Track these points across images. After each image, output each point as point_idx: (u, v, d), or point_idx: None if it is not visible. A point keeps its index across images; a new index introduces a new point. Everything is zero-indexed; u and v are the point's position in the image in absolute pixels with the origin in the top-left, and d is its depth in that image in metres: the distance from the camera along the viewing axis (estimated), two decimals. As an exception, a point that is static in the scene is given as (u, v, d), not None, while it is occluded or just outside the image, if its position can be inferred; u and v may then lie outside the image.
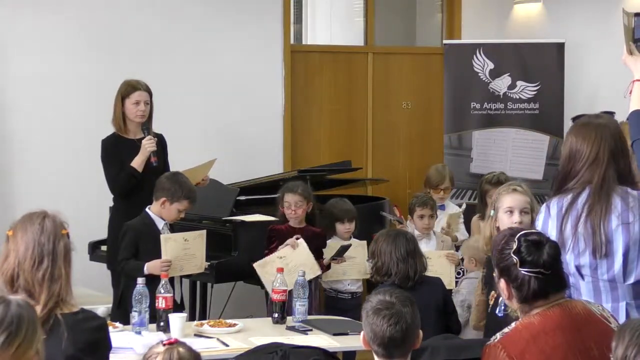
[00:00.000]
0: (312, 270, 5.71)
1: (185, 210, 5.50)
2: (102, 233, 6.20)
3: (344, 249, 5.99)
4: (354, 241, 6.21)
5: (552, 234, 3.54)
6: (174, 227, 5.56)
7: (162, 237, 5.30)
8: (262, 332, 4.86)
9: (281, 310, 5.07)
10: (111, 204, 6.09)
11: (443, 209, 6.90)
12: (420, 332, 3.16)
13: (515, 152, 7.94)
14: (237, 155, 7.51)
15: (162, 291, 4.78)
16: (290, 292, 5.17)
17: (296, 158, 7.88)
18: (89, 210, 6.55)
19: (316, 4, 9.47)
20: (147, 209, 5.49)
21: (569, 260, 3.54)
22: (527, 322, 3.07)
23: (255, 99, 7.71)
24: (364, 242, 6.09)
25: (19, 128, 7.04)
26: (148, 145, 5.92)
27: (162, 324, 4.74)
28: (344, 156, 7.74)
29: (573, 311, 3.09)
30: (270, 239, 5.91)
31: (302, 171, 6.85)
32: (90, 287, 6.06)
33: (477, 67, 7.93)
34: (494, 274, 3.20)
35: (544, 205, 3.69)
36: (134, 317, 4.71)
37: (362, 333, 3.17)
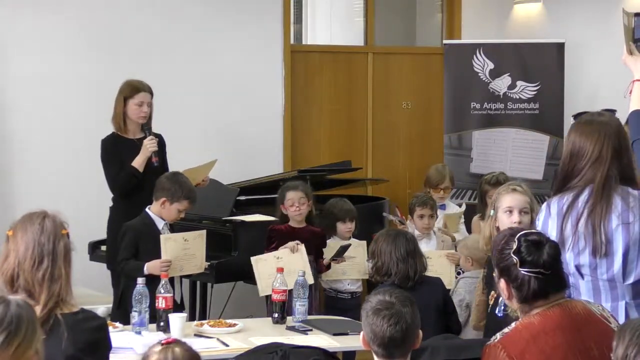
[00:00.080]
0: (307, 277, 5.69)
1: (185, 210, 5.50)
2: (102, 233, 6.19)
3: (343, 249, 5.99)
4: (353, 241, 6.21)
5: (552, 234, 3.53)
6: (174, 227, 5.56)
7: (161, 237, 5.31)
8: (262, 332, 4.86)
9: (281, 310, 5.07)
10: (111, 204, 6.09)
11: (443, 209, 6.91)
12: (420, 332, 3.16)
13: (515, 152, 7.93)
14: (237, 155, 7.51)
15: (162, 291, 4.78)
16: (290, 292, 5.17)
17: (296, 158, 7.88)
18: (89, 210, 6.54)
19: (316, 4, 9.47)
20: (147, 209, 5.49)
21: (569, 259, 3.53)
22: (527, 322, 3.07)
23: (255, 99, 7.71)
24: (364, 242, 6.09)
25: (19, 128, 7.04)
26: (150, 145, 5.92)
27: (162, 324, 4.75)
28: (344, 156, 7.74)
29: (573, 311, 3.09)
30: (270, 239, 5.92)
31: (302, 171, 6.85)
32: (90, 287, 6.06)
33: (477, 67, 7.93)
34: (494, 274, 3.20)
35: (545, 204, 3.69)
36: (134, 317, 4.71)
37: (361, 333, 3.17)
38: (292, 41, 8.05)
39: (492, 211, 4.47)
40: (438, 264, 5.76)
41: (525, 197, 4.44)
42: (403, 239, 4.88)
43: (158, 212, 5.45)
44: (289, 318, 5.09)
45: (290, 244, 5.74)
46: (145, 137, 5.99)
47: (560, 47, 7.94)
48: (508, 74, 7.94)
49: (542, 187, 7.51)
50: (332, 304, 6.23)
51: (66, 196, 6.77)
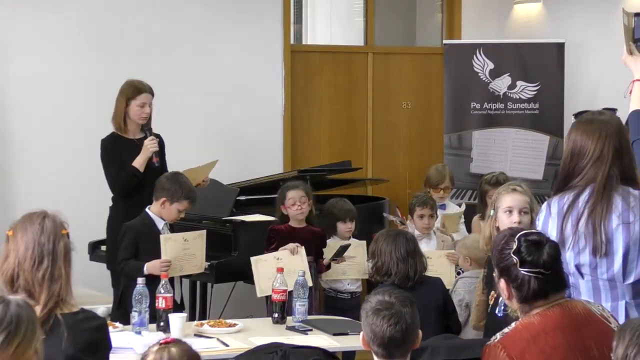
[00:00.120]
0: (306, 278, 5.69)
1: (185, 211, 5.50)
2: (102, 233, 6.19)
3: (343, 249, 5.99)
4: (353, 241, 6.21)
5: (553, 233, 3.53)
6: (174, 227, 5.56)
7: (161, 237, 5.31)
8: (262, 332, 4.86)
9: (281, 310, 5.07)
10: (111, 203, 6.09)
11: (444, 209, 6.91)
12: (420, 332, 3.16)
13: (515, 152, 7.93)
14: (237, 155, 7.50)
15: (162, 291, 4.78)
16: (290, 292, 5.17)
17: (296, 158, 7.88)
18: (89, 210, 6.54)
19: (316, 4, 9.47)
20: (147, 209, 5.49)
21: (569, 258, 3.53)
22: (527, 322, 3.07)
23: (255, 99, 7.71)
24: (364, 242, 6.09)
25: (19, 128, 7.04)
26: (151, 145, 5.93)
27: (162, 324, 4.74)
28: (344, 156, 7.74)
29: (573, 311, 3.09)
30: (270, 239, 5.91)
31: (302, 171, 6.85)
32: (90, 287, 6.05)
33: (477, 67, 7.93)
34: (494, 274, 3.19)
35: (545, 204, 3.68)
36: (134, 317, 4.71)
37: (361, 334, 3.17)
38: (292, 41, 8.05)
39: (492, 211, 4.48)
40: (438, 264, 5.76)
41: (525, 197, 4.44)
42: (403, 239, 4.88)
43: (158, 212, 5.45)
44: (289, 318, 5.09)
45: (291, 245, 5.73)
46: (145, 137, 6.00)
47: (560, 47, 7.94)
48: (508, 74, 7.94)
49: (542, 187, 7.51)
50: (331, 304, 6.23)
51: (66, 196, 6.77)
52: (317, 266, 5.98)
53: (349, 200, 6.47)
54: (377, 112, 8.24)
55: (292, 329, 4.95)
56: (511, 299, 3.13)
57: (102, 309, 5.32)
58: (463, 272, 5.82)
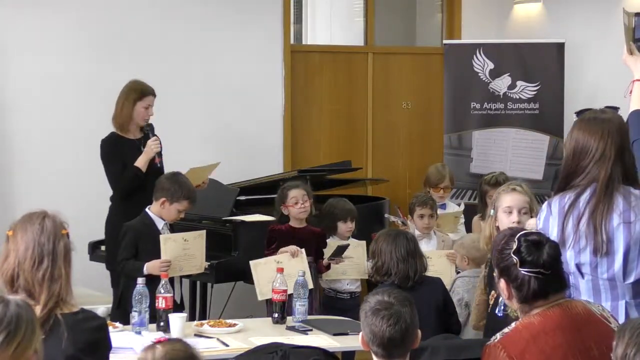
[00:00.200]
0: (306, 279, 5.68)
1: (185, 211, 5.50)
2: (102, 233, 6.19)
3: (341, 249, 5.98)
4: (352, 241, 6.21)
5: (553, 233, 3.53)
6: (174, 227, 5.56)
7: (161, 237, 5.31)
8: (262, 332, 4.86)
9: (281, 310, 5.07)
10: (110, 203, 6.10)
11: (444, 208, 6.91)
12: (419, 332, 3.16)
13: (515, 152, 7.93)
14: (237, 155, 7.50)
15: (162, 291, 4.78)
16: (290, 292, 5.16)
17: (296, 158, 7.88)
18: (89, 210, 6.53)
19: (316, 4, 9.46)
20: (147, 209, 5.49)
21: (569, 258, 3.53)
22: (527, 322, 3.07)
23: (255, 99, 7.71)
24: (364, 242, 6.08)
25: (19, 128, 7.04)
26: (154, 146, 5.95)
27: (162, 324, 4.74)
28: (344, 156, 7.74)
29: (573, 311, 3.09)
30: (270, 239, 5.91)
31: (302, 171, 6.85)
32: (90, 287, 6.05)
33: (477, 67, 7.93)
34: (494, 274, 3.20)
35: (546, 203, 3.68)
36: (134, 317, 4.71)
37: (360, 334, 3.17)
38: (292, 41, 8.05)
39: (492, 211, 4.48)
40: (438, 264, 5.76)
41: (525, 197, 4.44)
42: (403, 239, 4.88)
43: (158, 212, 5.45)
44: (289, 318, 5.09)
45: (292, 248, 5.71)
46: (145, 137, 6.00)
47: (560, 47, 7.94)
48: (508, 74, 7.95)
49: (542, 187, 7.52)
50: (331, 304, 6.22)
51: (66, 196, 6.76)
52: (317, 266, 5.98)
53: (349, 200, 6.47)
54: (377, 112, 8.24)
55: (292, 329, 4.95)
56: (511, 299, 3.13)
57: (102, 309, 5.32)
58: (461, 271, 5.82)
